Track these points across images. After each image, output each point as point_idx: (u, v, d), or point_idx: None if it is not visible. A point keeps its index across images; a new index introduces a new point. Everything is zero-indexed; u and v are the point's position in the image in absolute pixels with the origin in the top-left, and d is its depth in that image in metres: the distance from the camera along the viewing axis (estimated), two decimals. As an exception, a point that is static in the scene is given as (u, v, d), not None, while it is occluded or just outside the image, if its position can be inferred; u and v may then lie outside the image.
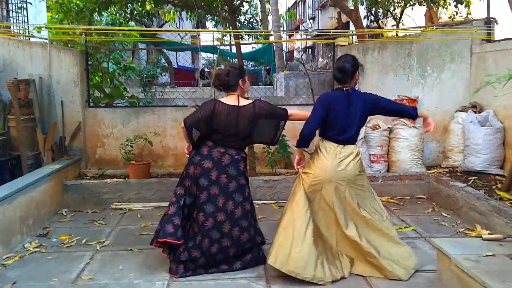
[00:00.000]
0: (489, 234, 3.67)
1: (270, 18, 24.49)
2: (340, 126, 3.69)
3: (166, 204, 5.60)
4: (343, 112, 3.68)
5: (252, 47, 22.38)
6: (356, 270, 3.66)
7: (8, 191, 4.30)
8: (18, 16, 8.91)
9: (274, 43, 17.54)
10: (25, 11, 8.73)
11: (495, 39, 6.28)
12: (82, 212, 5.49)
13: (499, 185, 5.19)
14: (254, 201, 5.43)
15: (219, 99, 3.80)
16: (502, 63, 5.66)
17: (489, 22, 6.29)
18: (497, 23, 6.53)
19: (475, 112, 6.07)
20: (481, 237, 3.30)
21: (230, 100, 3.78)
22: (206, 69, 24.70)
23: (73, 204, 5.65)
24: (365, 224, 3.68)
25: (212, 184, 3.70)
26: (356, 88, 3.90)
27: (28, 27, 8.26)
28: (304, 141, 3.72)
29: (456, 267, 2.88)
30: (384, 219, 3.76)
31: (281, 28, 25.13)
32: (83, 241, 4.53)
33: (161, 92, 12.52)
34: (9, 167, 5.80)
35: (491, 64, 6.00)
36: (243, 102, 3.79)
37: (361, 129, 6.07)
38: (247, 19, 23.37)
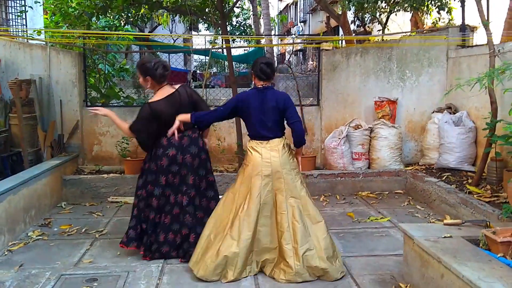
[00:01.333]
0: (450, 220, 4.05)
1: (261, 21, 24.91)
2: (256, 122, 3.80)
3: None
4: (257, 109, 3.79)
5: (244, 50, 22.75)
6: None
7: (14, 183, 4.65)
8: (17, 19, 9.20)
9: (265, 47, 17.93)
10: (23, 14, 9.01)
11: (470, 45, 6.70)
12: (81, 205, 5.83)
13: (470, 181, 5.60)
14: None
15: (150, 101, 4.15)
16: (475, 68, 6.08)
17: (463, 29, 6.71)
18: (472, 30, 6.97)
19: (450, 113, 6.48)
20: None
21: (164, 92, 4.12)
22: (198, 71, 25.02)
23: (71, 197, 5.98)
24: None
25: (181, 167, 4.06)
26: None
27: (27, 30, 8.55)
28: (201, 122, 4.00)
29: (418, 247, 3.26)
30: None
31: (272, 32, 25.54)
32: (83, 230, 4.88)
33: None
34: (10, 163, 6.12)
35: (465, 69, 6.42)
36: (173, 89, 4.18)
37: (345, 128, 6.47)
38: (239, 22, 23.75)
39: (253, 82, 3.98)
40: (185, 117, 3.93)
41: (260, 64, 3.82)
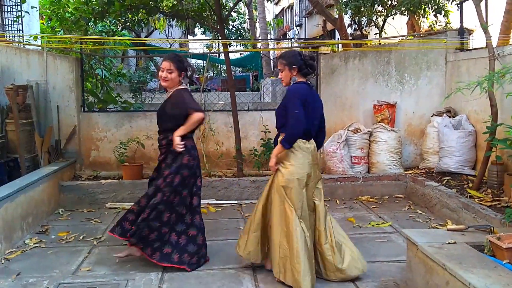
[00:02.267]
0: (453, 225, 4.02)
1: (257, 25, 24.92)
2: (308, 119, 3.61)
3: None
4: (311, 106, 3.63)
5: (240, 54, 22.74)
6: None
7: (10, 190, 4.58)
8: (14, 24, 9.14)
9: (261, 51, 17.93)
10: (19, 19, 8.96)
11: (469, 48, 6.69)
12: (78, 211, 5.76)
13: (470, 184, 5.57)
14: (241, 200, 5.87)
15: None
16: (473, 71, 6.06)
17: (462, 32, 6.71)
18: (470, 34, 6.96)
19: (450, 117, 6.46)
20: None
21: None
22: (195, 75, 25.00)
23: (69, 203, 5.92)
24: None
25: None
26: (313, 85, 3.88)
27: (23, 35, 8.50)
28: (295, 140, 3.59)
29: (422, 254, 3.22)
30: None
31: (269, 35, 25.53)
32: (81, 237, 4.82)
33: (151, 97, 12.81)
34: (7, 169, 6.05)
35: (464, 72, 6.41)
36: None
37: (343, 132, 6.46)
38: (235, 26, 23.77)
39: (279, 76, 3.76)
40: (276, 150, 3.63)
41: (307, 59, 3.69)
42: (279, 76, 3.75)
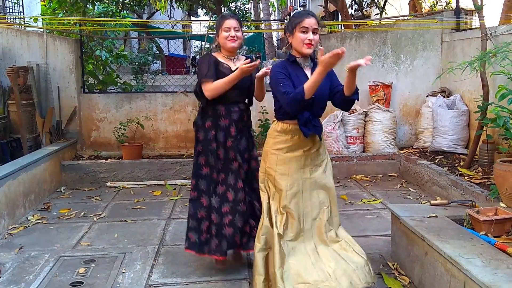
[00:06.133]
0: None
1: (260, 5, 24.79)
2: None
3: (157, 182, 6.13)
4: None
5: (244, 35, 22.72)
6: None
7: (13, 168, 4.75)
8: (14, 6, 9.22)
9: (264, 32, 17.89)
10: (20, 1, 9.04)
11: (464, 28, 6.73)
12: (79, 190, 5.93)
13: (462, 163, 5.68)
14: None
15: None
16: (468, 51, 6.12)
17: (458, 12, 6.73)
18: (467, 14, 6.97)
19: (444, 97, 6.54)
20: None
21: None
22: (197, 57, 24.98)
23: (70, 182, 6.09)
24: None
25: None
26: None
27: (24, 17, 8.58)
28: None
29: (404, 227, 3.36)
30: None
31: (272, 16, 25.42)
32: (81, 214, 4.99)
33: (152, 79, 12.87)
34: (10, 149, 6.22)
35: (458, 52, 6.46)
36: None
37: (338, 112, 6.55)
38: (238, 7, 23.68)
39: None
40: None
41: None
42: (314, 37, 2.87)
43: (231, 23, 3.37)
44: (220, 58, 3.42)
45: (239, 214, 3.37)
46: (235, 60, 3.46)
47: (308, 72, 2.95)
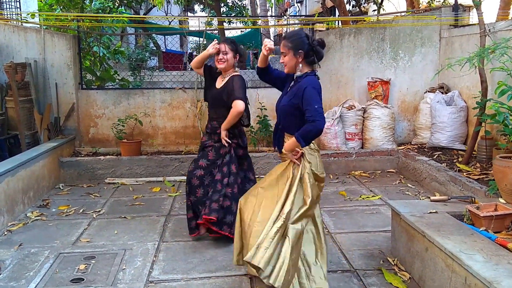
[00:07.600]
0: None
1: (257, 1, 24.74)
2: None
3: (156, 178, 6.12)
4: None
5: (241, 31, 22.66)
6: None
7: (11, 165, 4.73)
8: (11, 2, 9.17)
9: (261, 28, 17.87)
10: (17, -3, 8.99)
11: (462, 25, 6.73)
12: (78, 187, 5.93)
13: (460, 159, 5.70)
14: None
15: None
16: (466, 47, 6.13)
17: (456, 8, 6.74)
18: (465, 10, 6.98)
19: (442, 93, 6.55)
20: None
21: None
22: (194, 53, 24.92)
23: (69, 179, 6.08)
24: None
25: None
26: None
27: (21, 13, 8.53)
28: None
29: (404, 222, 3.37)
30: None
31: (269, 13, 25.36)
32: (81, 210, 4.98)
33: (149, 75, 12.84)
34: (8, 145, 6.20)
35: (457, 48, 6.47)
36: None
37: (337, 108, 6.56)
38: (235, 3, 23.59)
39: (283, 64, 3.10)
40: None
41: (315, 44, 3.00)
42: (281, 61, 3.08)
43: (220, 47, 4.03)
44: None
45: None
46: (224, 77, 4.11)
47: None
